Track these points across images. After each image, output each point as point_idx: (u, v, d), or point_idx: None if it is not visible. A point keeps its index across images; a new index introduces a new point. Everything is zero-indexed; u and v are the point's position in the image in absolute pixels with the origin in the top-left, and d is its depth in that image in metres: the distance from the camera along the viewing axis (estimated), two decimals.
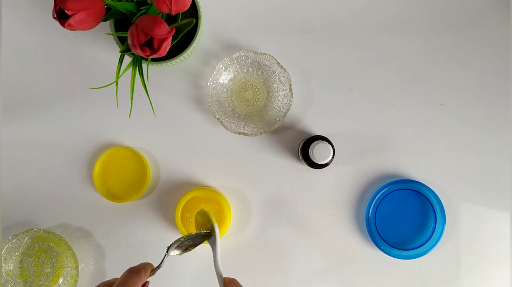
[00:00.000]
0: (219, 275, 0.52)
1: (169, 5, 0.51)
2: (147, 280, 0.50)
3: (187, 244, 0.57)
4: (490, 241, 0.71)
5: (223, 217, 0.68)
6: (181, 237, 0.56)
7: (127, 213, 0.70)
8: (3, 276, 0.67)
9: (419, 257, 0.69)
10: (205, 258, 0.68)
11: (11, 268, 0.68)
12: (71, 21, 0.51)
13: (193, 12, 0.63)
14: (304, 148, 0.65)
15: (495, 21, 0.70)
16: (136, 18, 0.55)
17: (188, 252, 0.57)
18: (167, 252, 0.55)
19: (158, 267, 0.52)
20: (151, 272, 0.51)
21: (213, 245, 0.56)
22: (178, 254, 0.57)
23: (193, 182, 0.71)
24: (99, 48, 0.70)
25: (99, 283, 0.49)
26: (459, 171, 0.71)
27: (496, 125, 0.71)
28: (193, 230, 0.67)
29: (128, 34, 0.53)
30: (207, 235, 0.58)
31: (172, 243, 0.56)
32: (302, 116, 0.70)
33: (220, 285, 0.51)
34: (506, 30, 0.70)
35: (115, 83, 0.58)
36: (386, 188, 0.69)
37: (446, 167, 0.71)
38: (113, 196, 0.69)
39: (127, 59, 0.68)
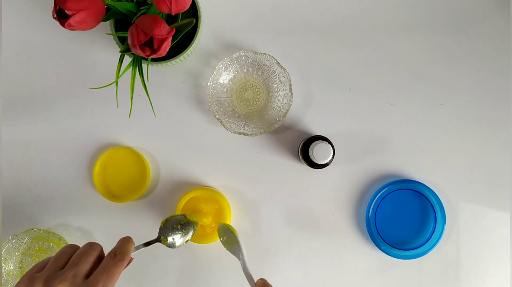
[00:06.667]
0: (249, 278, 0.54)
1: (169, 5, 0.51)
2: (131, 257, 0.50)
3: (179, 230, 0.61)
4: (490, 241, 0.71)
5: (223, 217, 0.68)
6: (175, 224, 0.61)
7: (127, 213, 0.70)
8: (3, 276, 0.67)
9: (419, 257, 0.69)
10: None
11: (11, 268, 0.68)
12: (71, 21, 0.51)
13: (193, 12, 0.63)
14: (304, 148, 0.65)
15: (495, 21, 0.70)
16: (136, 18, 0.55)
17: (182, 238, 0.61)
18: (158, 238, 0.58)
19: (145, 245, 0.55)
20: (136, 248, 0.52)
21: (239, 254, 0.58)
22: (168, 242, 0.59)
23: (193, 182, 0.70)
24: (99, 48, 0.70)
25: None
26: (459, 171, 0.71)
27: (496, 125, 0.71)
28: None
29: (128, 34, 0.53)
30: (194, 222, 0.63)
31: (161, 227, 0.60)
32: (302, 116, 0.70)
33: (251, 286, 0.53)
34: (506, 30, 0.70)
35: (115, 83, 0.58)
36: (386, 188, 0.69)
37: (446, 167, 0.71)
38: (113, 196, 0.69)
39: (127, 59, 0.68)
